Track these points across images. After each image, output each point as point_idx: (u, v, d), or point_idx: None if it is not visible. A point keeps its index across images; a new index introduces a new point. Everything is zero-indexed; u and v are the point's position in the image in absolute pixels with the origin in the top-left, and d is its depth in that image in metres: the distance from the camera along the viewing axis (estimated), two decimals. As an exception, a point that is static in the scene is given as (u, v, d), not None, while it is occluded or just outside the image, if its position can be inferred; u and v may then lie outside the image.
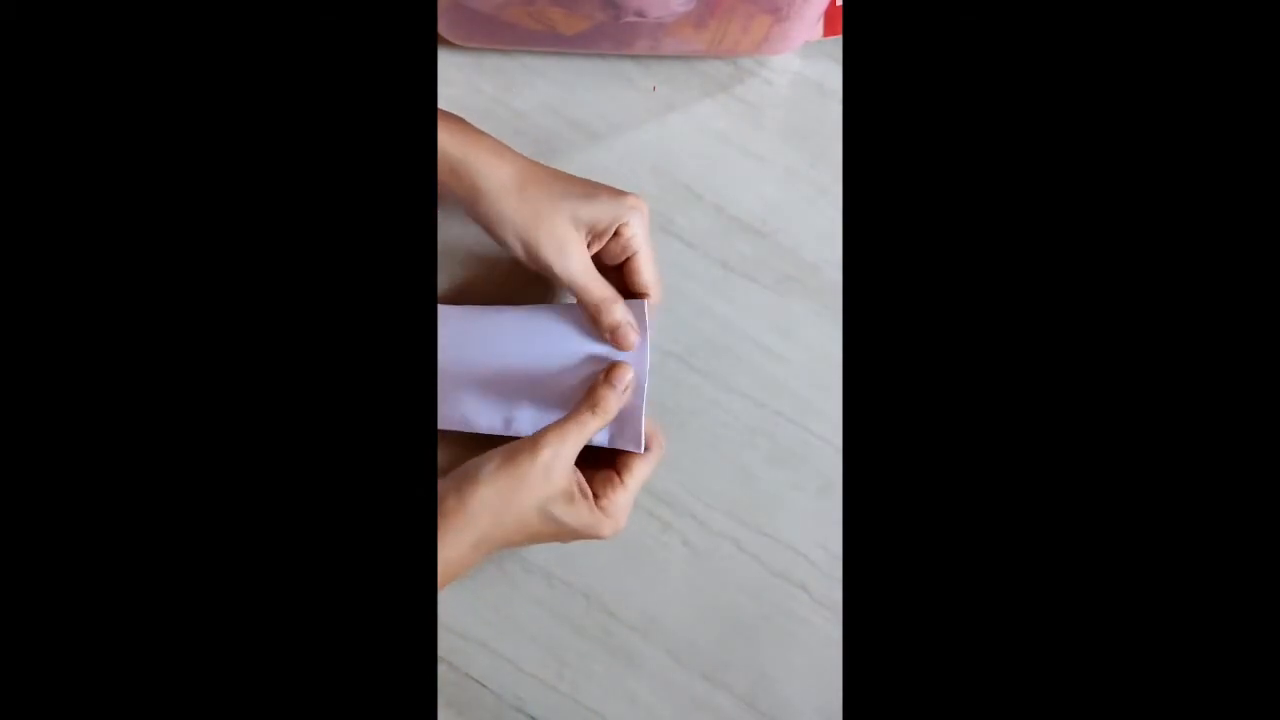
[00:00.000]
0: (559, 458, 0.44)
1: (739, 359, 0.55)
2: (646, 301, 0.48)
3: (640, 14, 0.48)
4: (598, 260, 0.47)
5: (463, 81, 0.56)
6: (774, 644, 0.54)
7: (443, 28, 0.53)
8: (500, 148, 0.46)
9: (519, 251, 0.46)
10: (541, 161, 0.48)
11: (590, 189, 0.46)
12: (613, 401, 0.46)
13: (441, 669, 0.53)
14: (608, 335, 0.47)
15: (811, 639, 0.54)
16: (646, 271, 0.48)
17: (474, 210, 0.45)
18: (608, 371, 0.46)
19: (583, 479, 0.46)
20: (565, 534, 0.46)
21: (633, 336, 0.47)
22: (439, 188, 0.46)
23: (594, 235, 0.46)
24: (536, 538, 0.46)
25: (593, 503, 0.46)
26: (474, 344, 0.49)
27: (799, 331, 0.55)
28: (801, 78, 0.56)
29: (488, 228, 0.46)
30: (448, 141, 0.44)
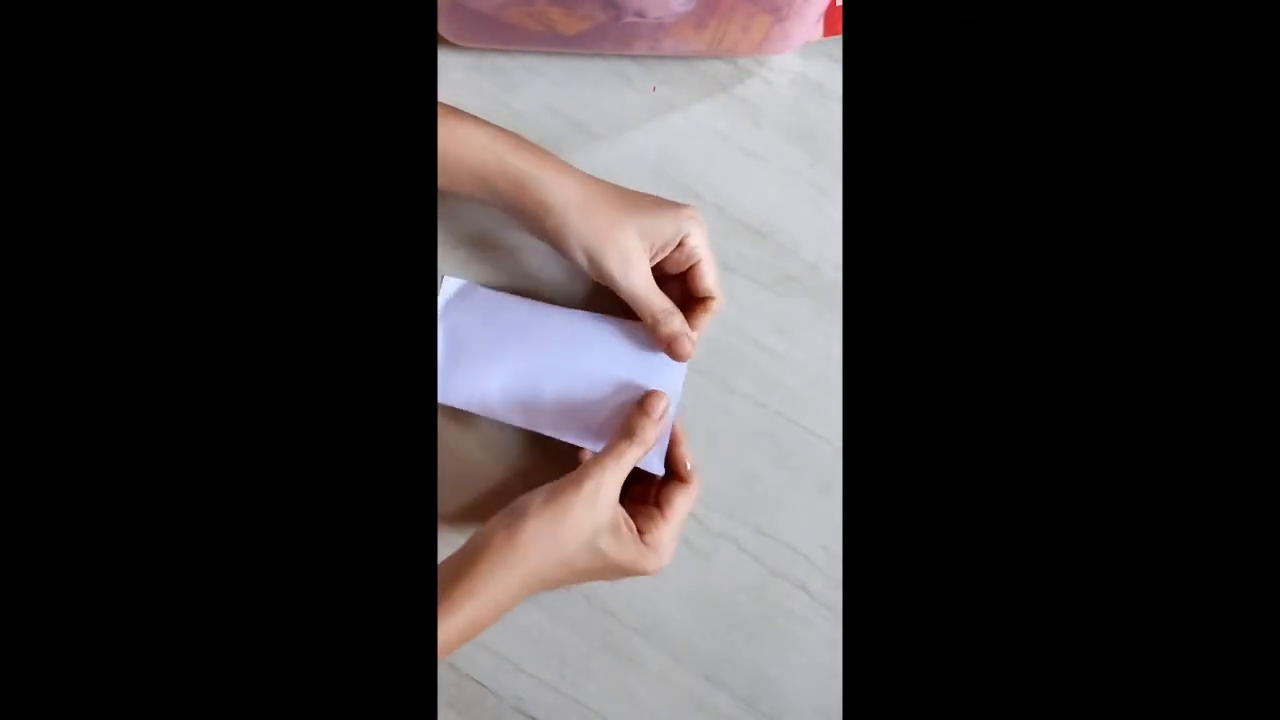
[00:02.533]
0: (603, 487, 0.45)
1: (739, 359, 0.55)
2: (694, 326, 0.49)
3: (640, 14, 0.48)
4: (661, 268, 0.49)
5: (463, 81, 0.56)
6: (774, 644, 0.54)
7: (443, 28, 0.53)
8: (564, 165, 0.47)
9: (583, 263, 0.47)
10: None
11: (653, 204, 0.48)
12: (649, 429, 0.47)
13: (442, 669, 0.53)
14: (664, 345, 0.48)
15: (811, 639, 0.54)
16: (709, 278, 0.49)
17: (539, 224, 0.47)
18: (643, 401, 0.48)
19: (627, 515, 0.47)
20: (610, 569, 0.46)
21: (688, 346, 0.48)
22: (503, 202, 0.47)
23: (657, 249, 0.47)
24: (582, 574, 0.46)
25: (638, 537, 0.46)
26: (509, 331, 0.51)
27: (799, 331, 0.55)
28: (801, 78, 0.57)
29: (553, 241, 0.47)
30: (514, 158, 0.46)
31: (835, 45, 0.56)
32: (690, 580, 0.54)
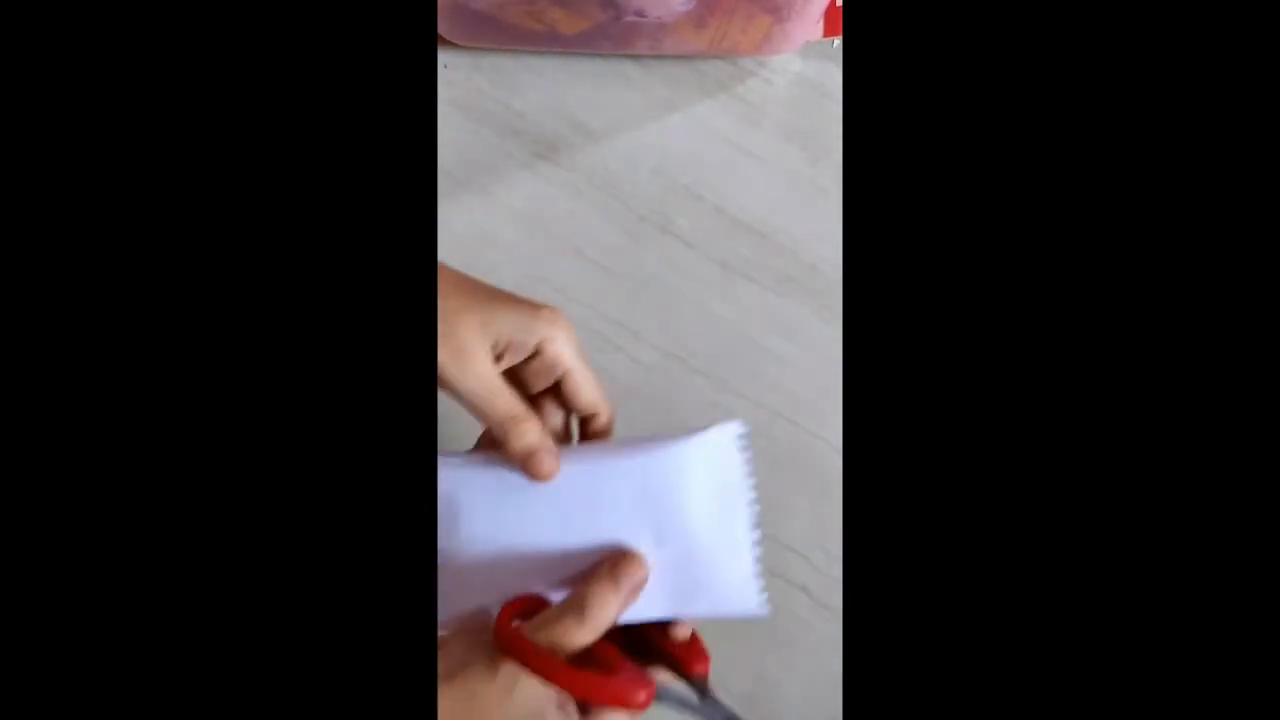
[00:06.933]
0: (521, 681, 0.33)
1: (739, 359, 0.54)
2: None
3: (640, 14, 0.48)
4: (523, 381, 0.39)
5: (463, 81, 0.56)
6: (774, 645, 0.54)
7: (443, 28, 0.53)
8: None
9: None
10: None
11: (507, 299, 0.39)
12: (613, 604, 0.35)
13: (441, 669, 0.52)
14: (518, 461, 0.37)
15: (811, 640, 0.54)
16: (586, 391, 0.39)
17: None
18: (614, 562, 0.35)
19: (566, 694, 0.34)
20: None
21: (549, 463, 0.37)
22: None
23: (504, 348, 0.38)
24: None
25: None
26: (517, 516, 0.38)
27: (799, 331, 0.55)
28: (801, 78, 0.57)
29: None
30: None
31: (835, 45, 0.56)
32: (690, 581, 0.54)
